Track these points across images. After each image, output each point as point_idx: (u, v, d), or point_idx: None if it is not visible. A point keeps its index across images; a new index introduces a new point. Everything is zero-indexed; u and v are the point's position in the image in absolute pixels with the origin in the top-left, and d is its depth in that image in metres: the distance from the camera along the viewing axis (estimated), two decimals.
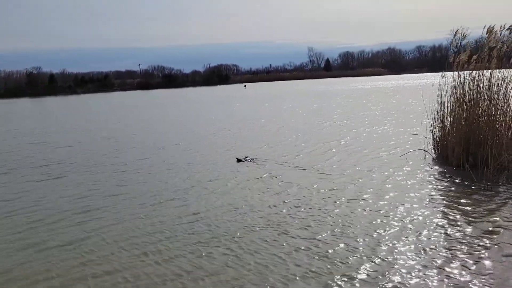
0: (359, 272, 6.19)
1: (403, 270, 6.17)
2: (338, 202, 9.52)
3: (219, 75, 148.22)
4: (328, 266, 6.45)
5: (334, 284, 5.90)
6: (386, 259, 6.53)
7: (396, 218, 8.26)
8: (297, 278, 6.14)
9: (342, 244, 7.20)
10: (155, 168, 14.30)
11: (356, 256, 6.70)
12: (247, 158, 14.85)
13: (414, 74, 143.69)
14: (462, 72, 11.31)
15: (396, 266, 6.28)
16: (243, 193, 10.62)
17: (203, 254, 7.14)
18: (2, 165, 16.16)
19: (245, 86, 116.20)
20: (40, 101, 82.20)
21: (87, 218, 9.44)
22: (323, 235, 7.67)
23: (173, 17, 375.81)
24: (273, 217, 8.74)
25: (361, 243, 7.19)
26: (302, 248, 7.16)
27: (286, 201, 9.83)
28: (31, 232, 8.74)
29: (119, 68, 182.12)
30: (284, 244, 7.36)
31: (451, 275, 5.94)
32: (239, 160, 14.76)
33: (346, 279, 6.02)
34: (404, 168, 12.24)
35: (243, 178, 12.13)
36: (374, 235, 7.49)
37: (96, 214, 9.71)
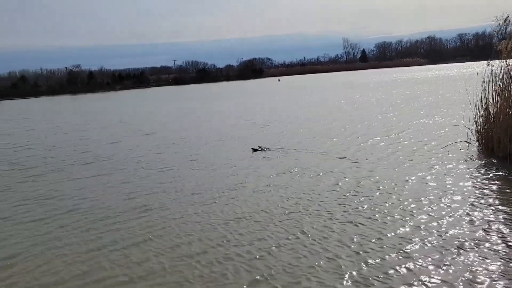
0: (410, 260, 6.07)
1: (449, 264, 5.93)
2: (378, 192, 9.48)
3: (252, 69, 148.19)
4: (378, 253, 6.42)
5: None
6: (430, 253, 6.31)
7: (439, 211, 7.98)
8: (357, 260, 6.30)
9: (386, 232, 7.17)
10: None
11: (400, 248, 6.56)
12: (262, 148, 15.72)
13: (456, 64, 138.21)
14: (510, 60, 10.68)
15: (443, 260, 6.07)
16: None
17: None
18: (54, 162, 16.73)
19: (279, 79, 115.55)
20: (86, 97, 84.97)
21: (145, 215, 9.41)
22: (371, 221, 7.76)
23: (206, 11, 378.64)
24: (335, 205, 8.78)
25: (403, 235, 7.02)
26: (356, 229, 7.38)
27: (336, 190, 9.86)
28: (94, 234, 8.58)
29: (154, 64, 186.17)
30: (346, 229, 7.51)
31: (502, 270, 5.67)
32: (255, 150, 15.67)
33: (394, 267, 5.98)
34: (446, 160, 11.86)
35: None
36: (420, 227, 7.30)
37: (156, 211, 9.54)
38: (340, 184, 10.43)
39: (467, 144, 13.14)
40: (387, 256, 6.34)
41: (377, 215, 8.10)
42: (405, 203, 8.64)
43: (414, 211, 8.15)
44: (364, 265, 6.14)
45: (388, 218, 7.91)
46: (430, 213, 7.97)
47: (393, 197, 9.09)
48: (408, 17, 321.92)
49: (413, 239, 6.89)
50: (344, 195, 9.47)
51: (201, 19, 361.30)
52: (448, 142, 13.99)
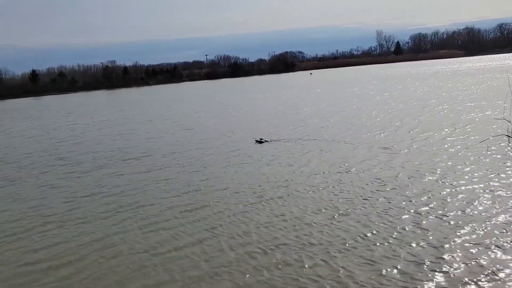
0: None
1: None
2: (416, 183, 9.58)
3: (284, 63, 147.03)
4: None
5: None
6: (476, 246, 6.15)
7: (481, 204, 7.92)
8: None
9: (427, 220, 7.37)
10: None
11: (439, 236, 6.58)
12: (263, 139, 16.86)
13: (496, 55, 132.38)
14: None
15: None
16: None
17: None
18: (97, 157, 16.82)
19: (310, 73, 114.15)
20: (123, 92, 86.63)
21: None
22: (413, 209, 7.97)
23: (237, 5, 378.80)
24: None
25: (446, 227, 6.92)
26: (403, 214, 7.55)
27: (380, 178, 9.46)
28: (150, 236, 8.26)
29: (186, 59, 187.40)
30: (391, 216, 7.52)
31: None
32: (258, 141, 16.86)
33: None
34: (486, 154, 11.43)
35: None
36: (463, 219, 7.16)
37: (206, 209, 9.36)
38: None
39: (507, 138, 12.68)
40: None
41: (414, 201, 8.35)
42: (445, 196, 8.65)
43: (451, 204, 8.16)
44: None
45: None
46: (467, 207, 7.91)
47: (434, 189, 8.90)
48: (444, 8, 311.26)
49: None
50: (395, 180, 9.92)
51: (232, 13, 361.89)
52: (489, 135, 13.51)
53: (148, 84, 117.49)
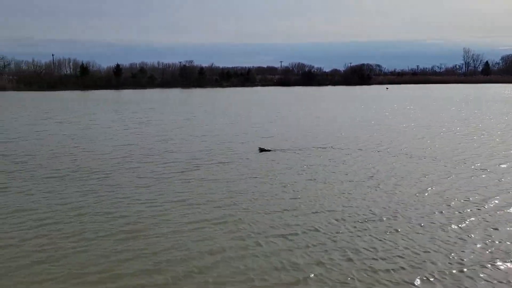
0: None
1: None
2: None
3: (360, 75, 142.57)
4: None
5: None
6: None
7: None
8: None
9: None
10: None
11: None
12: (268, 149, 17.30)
13: None
14: None
15: None
16: None
17: None
18: (201, 157, 16.39)
19: (387, 88, 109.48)
20: (199, 91, 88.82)
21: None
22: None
23: (317, 14, 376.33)
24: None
25: None
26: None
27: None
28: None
29: (261, 64, 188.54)
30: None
31: None
32: (261, 150, 17.23)
33: None
34: None
35: None
36: None
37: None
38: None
39: None
40: None
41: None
42: None
43: None
44: None
45: None
46: None
47: None
48: None
49: None
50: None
51: (311, 21, 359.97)
52: None
53: (221, 86, 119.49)
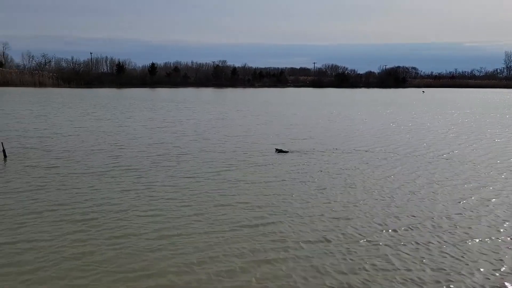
0: None
1: None
2: None
3: (395, 78, 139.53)
4: None
5: None
6: None
7: None
8: None
9: None
10: None
11: None
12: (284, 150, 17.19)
13: None
14: None
15: None
16: None
17: None
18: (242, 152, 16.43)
19: (423, 91, 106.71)
20: (232, 91, 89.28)
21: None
22: None
23: (351, 15, 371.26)
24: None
25: None
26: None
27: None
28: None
29: (294, 65, 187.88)
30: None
31: None
32: (278, 151, 17.10)
33: None
34: None
35: None
36: None
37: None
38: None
39: None
40: None
41: None
42: None
43: None
44: None
45: None
46: None
47: None
48: None
49: None
50: None
51: (346, 23, 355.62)
52: None
53: (253, 86, 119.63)
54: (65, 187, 11.57)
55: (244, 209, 10.03)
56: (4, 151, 15.66)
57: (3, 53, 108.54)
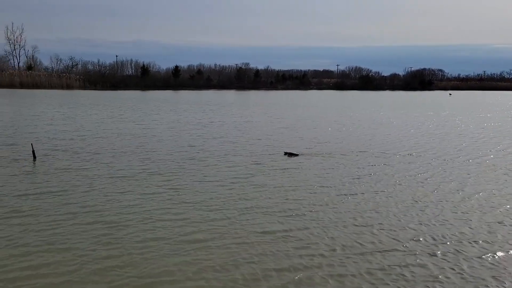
0: None
1: None
2: None
3: (421, 80, 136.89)
4: None
5: None
6: None
7: None
8: None
9: None
10: None
11: None
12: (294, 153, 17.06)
13: None
14: None
15: None
16: None
17: None
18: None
19: (450, 94, 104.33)
20: (255, 93, 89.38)
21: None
22: None
23: (372, 16, 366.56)
24: None
25: None
26: None
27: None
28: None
29: (317, 67, 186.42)
30: None
31: None
32: (289, 154, 16.92)
33: None
34: None
35: None
36: None
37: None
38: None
39: None
40: None
41: None
42: None
43: None
44: None
45: None
46: None
47: None
48: None
49: None
50: None
51: (369, 24, 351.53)
52: None
53: (276, 88, 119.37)
54: (93, 190, 11.60)
55: (270, 214, 9.80)
56: (33, 152, 15.92)
57: (33, 56, 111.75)
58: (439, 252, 7.84)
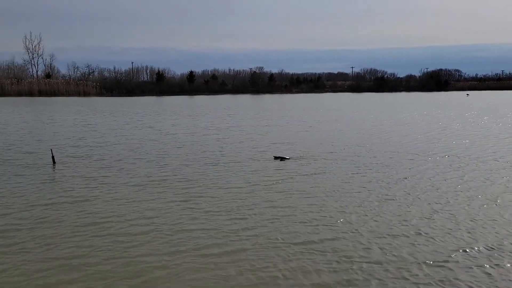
0: None
1: None
2: None
3: (437, 81, 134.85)
4: None
5: None
6: None
7: None
8: None
9: None
10: None
11: None
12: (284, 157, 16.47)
13: None
14: None
15: None
16: None
17: None
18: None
19: (467, 94, 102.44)
20: (269, 97, 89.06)
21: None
22: None
23: (385, 18, 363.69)
24: None
25: None
26: None
27: None
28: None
29: (331, 70, 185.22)
30: None
31: None
32: (281, 159, 16.29)
33: None
34: None
35: None
36: None
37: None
38: None
39: None
40: None
41: None
42: None
43: None
44: None
45: None
46: None
47: None
48: None
49: None
50: None
51: (381, 26, 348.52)
52: None
53: (290, 92, 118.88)
54: (112, 198, 11.24)
55: (297, 223, 9.27)
56: (53, 157, 15.82)
57: (51, 64, 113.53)
58: (493, 264, 7.22)
